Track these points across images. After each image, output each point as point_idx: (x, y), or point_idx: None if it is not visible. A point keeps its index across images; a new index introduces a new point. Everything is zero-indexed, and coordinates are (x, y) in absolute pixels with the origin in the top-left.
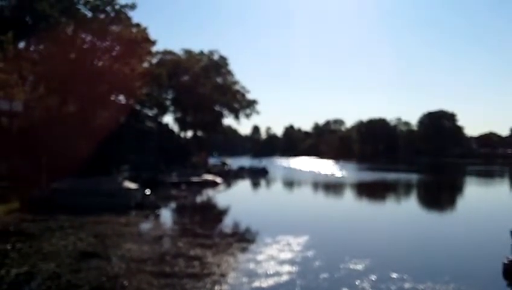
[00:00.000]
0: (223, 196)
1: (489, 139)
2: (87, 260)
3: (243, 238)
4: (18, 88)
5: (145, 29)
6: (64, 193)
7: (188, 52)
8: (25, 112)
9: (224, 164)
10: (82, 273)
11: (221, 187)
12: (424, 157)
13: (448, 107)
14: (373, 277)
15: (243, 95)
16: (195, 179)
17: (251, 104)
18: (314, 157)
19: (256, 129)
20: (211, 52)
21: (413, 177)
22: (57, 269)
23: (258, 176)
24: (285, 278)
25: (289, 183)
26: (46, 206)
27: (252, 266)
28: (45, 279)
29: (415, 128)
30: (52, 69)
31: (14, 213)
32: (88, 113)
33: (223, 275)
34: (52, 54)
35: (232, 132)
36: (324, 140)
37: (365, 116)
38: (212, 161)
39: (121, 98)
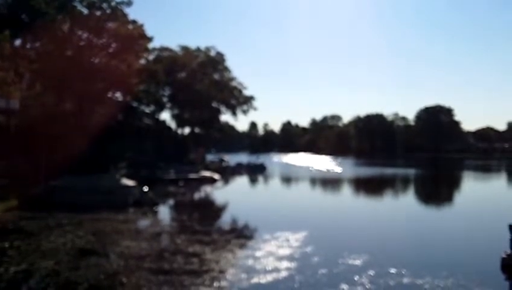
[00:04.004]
0: (221, 193)
1: (486, 134)
2: (85, 257)
3: (242, 234)
4: (14, 86)
5: (141, 25)
6: (62, 191)
7: (185, 49)
8: (21, 110)
9: (221, 160)
10: (81, 270)
11: (219, 184)
12: (421, 152)
13: (445, 102)
14: (372, 272)
15: (240, 92)
16: (193, 175)
17: (248, 100)
18: (311, 153)
19: (253, 125)
20: (208, 49)
21: (411, 172)
22: (55, 266)
23: (255, 172)
24: (284, 274)
25: (287, 180)
26: (45, 204)
27: (250, 262)
28: (44, 277)
29: (412, 123)
30: (49, 67)
31: (12, 211)
32: (85, 110)
33: (221, 272)
34: (48, 52)
35: (229, 129)
36: (322, 136)
37: (362, 112)
38: (210, 157)
39: (118, 95)
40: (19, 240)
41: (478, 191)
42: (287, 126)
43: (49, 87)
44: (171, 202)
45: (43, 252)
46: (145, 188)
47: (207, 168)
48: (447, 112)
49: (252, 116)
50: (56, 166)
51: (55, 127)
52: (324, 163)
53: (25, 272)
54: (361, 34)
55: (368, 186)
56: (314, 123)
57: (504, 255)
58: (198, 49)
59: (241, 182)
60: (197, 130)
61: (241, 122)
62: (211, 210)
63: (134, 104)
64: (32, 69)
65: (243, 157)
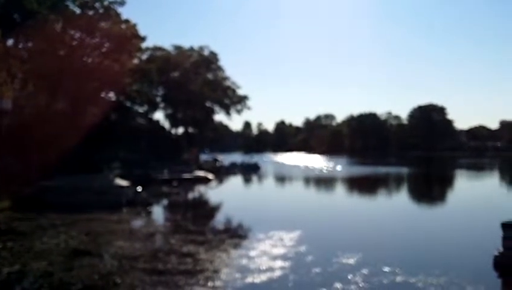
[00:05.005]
0: (215, 192)
1: (479, 133)
2: (79, 258)
3: (236, 234)
4: (7, 86)
5: (134, 25)
6: (55, 191)
7: (178, 48)
8: (14, 110)
9: (215, 160)
10: (74, 271)
11: (213, 183)
12: (414, 151)
13: (438, 101)
14: (365, 271)
15: (234, 91)
16: (186, 175)
17: (242, 99)
18: (305, 152)
19: (247, 125)
20: (201, 48)
21: (404, 170)
22: (48, 267)
23: (249, 172)
24: (278, 273)
25: (281, 179)
26: (37, 204)
27: (244, 261)
28: (37, 277)
29: (405, 122)
30: (41, 67)
31: (4, 212)
32: (78, 110)
33: (215, 271)
34: (41, 51)
35: (223, 128)
36: (315, 135)
37: (356, 111)
38: (204, 157)
39: (111, 95)
40: (12, 241)
41: (471, 190)
42: (281, 125)
43: (41, 87)
44: (164, 202)
45: (36, 253)
46: (139, 188)
47: (201, 168)
48: (440, 110)
49: (246, 115)
50: (49, 166)
51: (47, 127)
52: (318, 162)
53: (18, 273)
54: (355, 34)
55: (362, 185)
56: (307, 122)
57: (496, 253)
58: (191, 49)
59: (235, 181)
60: (190, 129)
61: (235, 122)
62: (204, 210)
63: (128, 104)
64: (25, 69)
65: (237, 157)
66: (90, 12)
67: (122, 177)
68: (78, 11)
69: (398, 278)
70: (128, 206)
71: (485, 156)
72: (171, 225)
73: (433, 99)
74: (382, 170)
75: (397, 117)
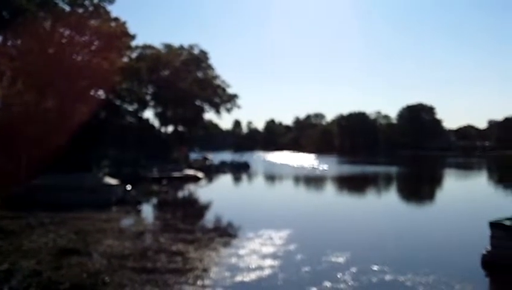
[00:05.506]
0: (205, 191)
1: (467, 132)
2: (68, 256)
3: (225, 233)
4: None
5: (124, 23)
6: (44, 190)
7: (168, 47)
8: (2, 108)
9: (205, 158)
10: (63, 270)
11: (203, 182)
12: (403, 150)
13: (427, 101)
14: (354, 269)
15: (224, 90)
16: (176, 174)
17: (232, 98)
18: (295, 151)
19: (237, 124)
20: (191, 47)
21: (393, 170)
22: (37, 266)
23: (239, 170)
24: (267, 272)
25: (271, 178)
26: (26, 203)
27: (234, 260)
28: (26, 276)
29: (394, 121)
30: (30, 65)
31: None
32: (67, 108)
33: (205, 270)
34: (30, 49)
35: (213, 127)
36: (305, 134)
37: (345, 110)
38: (194, 155)
39: (101, 93)
40: (0, 240)
41: (459, 189)
42: (271, 124)
43: (30, 85)
44: (154, 200)
45: (24, 252)
46: (128, 187)
47: (190, 167)
48: (429, 110)
49: (236, 114)
50: (38, 165)
51: (36, 126)
52: (307, 161)
53: (7, 272)
54: (345, 33)
55: (351, 184)
56: (297, 121)
57: (485, 252)
58: (181, 47)
59: (225, 180)
60: (180, 128)
61: (224, 121)
62: (194, 208)
63: (117, 102)
64: (14, 66)
65: (227, 156)
66: (80, 10)
67: (112, 175)
68: (67, 8)
69: (387, 277)
70: (117, 204)
71: (473, 156)
72: (160, 223)
73: (422, 99)
74: (371, 169)
75: (386, 116)
